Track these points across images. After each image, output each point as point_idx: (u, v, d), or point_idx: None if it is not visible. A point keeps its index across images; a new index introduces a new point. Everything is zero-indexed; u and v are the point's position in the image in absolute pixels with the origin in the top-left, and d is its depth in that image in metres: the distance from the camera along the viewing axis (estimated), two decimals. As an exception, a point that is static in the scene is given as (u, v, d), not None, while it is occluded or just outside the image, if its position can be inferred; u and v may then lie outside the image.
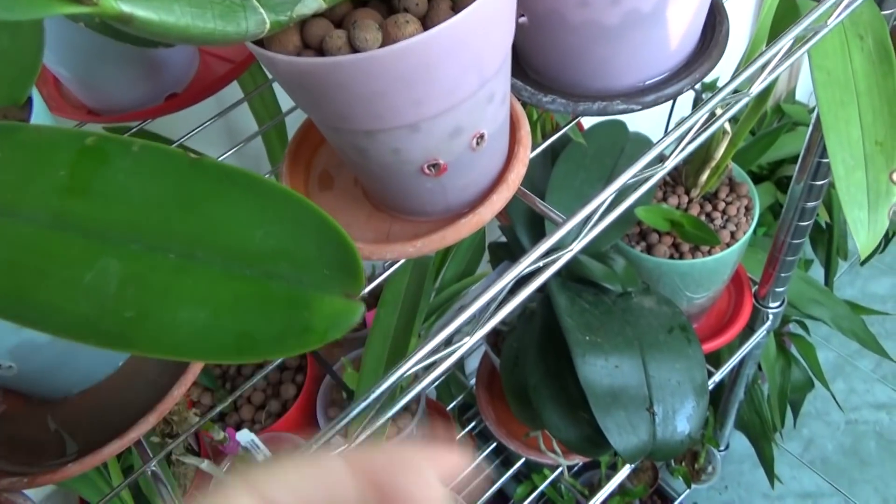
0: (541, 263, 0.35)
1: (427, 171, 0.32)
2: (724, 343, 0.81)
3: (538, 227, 0.69)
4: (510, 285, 0.35)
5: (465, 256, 0.78)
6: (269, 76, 0.62)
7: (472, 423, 1.03)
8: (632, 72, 0.38)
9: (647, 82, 0.38)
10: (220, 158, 0.51)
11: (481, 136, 0.32)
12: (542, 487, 0.84)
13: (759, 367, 1.10)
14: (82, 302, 0.19)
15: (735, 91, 0.40)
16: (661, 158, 0.38)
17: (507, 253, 0.80)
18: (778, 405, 1.10)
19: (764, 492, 1.32)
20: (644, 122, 0.82)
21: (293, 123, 0.67)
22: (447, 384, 1.04)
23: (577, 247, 0.36)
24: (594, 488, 1.21)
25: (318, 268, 0.19)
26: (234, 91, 0.63)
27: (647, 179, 0.38)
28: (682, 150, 0.38)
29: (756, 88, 0.40)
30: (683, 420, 0.51)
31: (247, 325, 0.19)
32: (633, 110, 0.37)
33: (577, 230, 0.37)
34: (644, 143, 0.72)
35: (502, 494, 1.16)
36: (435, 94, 0.27)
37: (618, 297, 0.58)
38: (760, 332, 0.85)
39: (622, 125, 0.72)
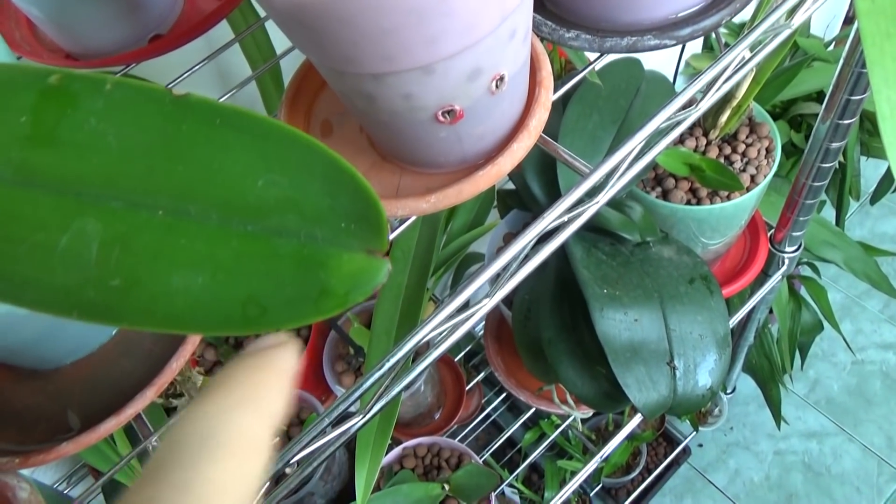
0: (565, 218, 0.32)
1: (441, 118, 0.29)
2: (739, 289, 0.79)
3: (549, 173, 0.66)
4: (531, 244, 0.32)
5: (475, 205, 0.75)
6: (262, 14, 0.57)
7: (479, 370, 1.02)
8: (664, 2, 0.34)
9: (681, 14, 0.35)
10: (213, 106, 0.47)
11: (501, 78, 0.28)
12: (552, 437, 0.84)
13: (770, 310, 1.09)
14: (59, 271, 0.16)
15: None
16: (691, 101, 0.35)
17: (516, 200, 0.77)
18: (788, 348, 1.09)
19: (769, 432, 1.33)
20: (653, 56, 0.78)
21: (289, 66, 0.63)
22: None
23: (603, 199, 0.33)
24: (601, 432, 1.21)
25: (332, 220, 0.17)
26: (224, 31, 0.59)
27: (677, 124, 0.35)
28: (718, 90, 0.35)
29: (799, 19, 0.37)
30: (705, 374, 0.49)
31: (253, 290, 0.16)
32: (666, 46, 0.33)
33: (600, 180, 0.34)
34: (661, 82, 0.68)
35: (510, 440, 1.17)
36: (452, 31, 0.24)
37: (635, 247, 0.55)
38: (775, 278, 0.83)
39: (637, 63, 0.68)
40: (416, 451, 0.79)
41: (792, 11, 0.36)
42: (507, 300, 0.72)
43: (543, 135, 0.33)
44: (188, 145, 0.16)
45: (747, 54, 0.36)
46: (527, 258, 0.33)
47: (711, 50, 1.33)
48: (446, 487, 0.71)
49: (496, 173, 0.31)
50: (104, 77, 0.16)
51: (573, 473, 1.11)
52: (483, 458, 1.01)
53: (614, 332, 0.49)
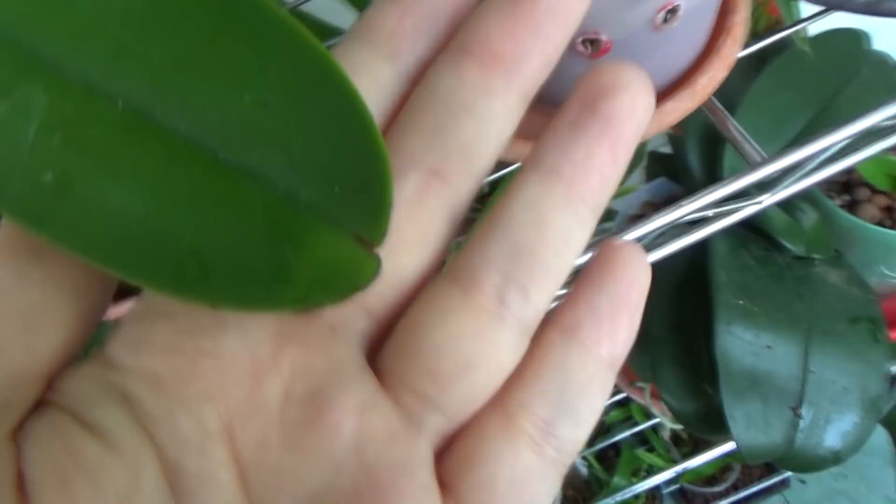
0: (709, 213, 0.25)
1: (581, 47, 0.22)
2: (907, 336, 0.66)
3: (713, 147, 0.56)
4: (661, 230, 0.25)
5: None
6: None
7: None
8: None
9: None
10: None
11: (673, 10, 0.21)
12: (641, 427, 0.77)
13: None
14: (-16, 145, 0.12)
15: None
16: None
17: (667, 168, 0.68)
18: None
19: (888, 494, 1.17)
20: (886, 34, 0.63)
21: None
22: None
23: (768, 201, 0.25)
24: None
25: (325, 178, 0.11)
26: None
27: (905, 125, 0.26)
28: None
29: None
30: (836, 435, 0.40)
31: (200, 243, 0.12)
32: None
33: (773, 175, 0.26)
34: (888, 68, 0.55)
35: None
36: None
37: (794, 260, 0.46)
38: (959, 333, 0.68)
39: (860, 38, 0.55)
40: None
41: None
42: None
43: (713, 99, 0.26)
44: (171, 22, 0.12)
45: None
46: (652, 246, 0.26)
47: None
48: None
49: (635, 134, 0.24)
50: None
51: (650, 466, 1.04)
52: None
53: (737, 352, 0.41)
